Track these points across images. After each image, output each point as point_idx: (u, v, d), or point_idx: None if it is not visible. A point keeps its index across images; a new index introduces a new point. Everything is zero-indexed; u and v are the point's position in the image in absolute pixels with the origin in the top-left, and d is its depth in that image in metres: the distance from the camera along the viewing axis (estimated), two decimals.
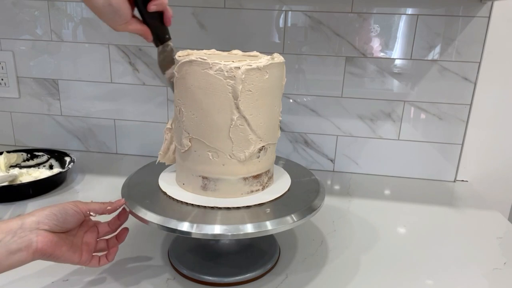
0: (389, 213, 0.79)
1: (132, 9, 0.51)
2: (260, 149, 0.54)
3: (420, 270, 0.60)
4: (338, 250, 0.65)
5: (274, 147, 0.58)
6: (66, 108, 1.02)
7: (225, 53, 0.60)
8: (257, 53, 0.59)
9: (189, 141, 0.53)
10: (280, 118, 0.58)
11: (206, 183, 0.54)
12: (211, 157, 0.53)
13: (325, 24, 0.88)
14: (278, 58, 0.54)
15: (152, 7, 0.51)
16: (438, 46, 0.86)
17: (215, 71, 0.49)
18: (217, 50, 0.61)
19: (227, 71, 0.49)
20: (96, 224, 0.53)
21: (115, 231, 0.55)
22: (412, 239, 0.70)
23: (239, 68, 0.49)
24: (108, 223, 0.54)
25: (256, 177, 0.56)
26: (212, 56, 0.52)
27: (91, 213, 0.52)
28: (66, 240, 0.48)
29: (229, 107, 0.50)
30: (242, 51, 0.61)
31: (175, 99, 0.55)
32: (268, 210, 0.52)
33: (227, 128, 0.51)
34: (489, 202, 0.86)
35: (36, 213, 0.46)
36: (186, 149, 0.54)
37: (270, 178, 0.59)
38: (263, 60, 0.51)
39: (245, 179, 0.55)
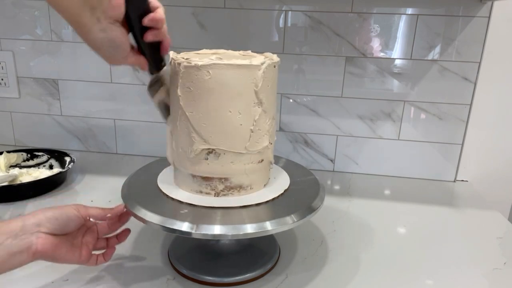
0: (389, 213, 0.79)
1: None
2: (209, 152, 0.52)
3: (420, 270, 0.60)
4: (338, 250, 0.65)
5: (239, 157, 0.53)
6: (66, 108, 1.02)
7: (237, 53, 0.59)
8: (254, 54, 0.57)
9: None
10: (252, 128, 0.52)
11: (174, 168, 0.59)
12: (174, 147, 0.56)
13: (325, 24, 0.88)
14: (242, 60, 0.50)
15: (149, 37, 0.47)
16: (438, 46, 0.86)
17: (172, 64, 0.52)
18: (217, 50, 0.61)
19: (175, 65, 0.51)
20: (96, 224, 0.54)
21: (114, 231, 0.55)
22: (412, 239, 0.70)
23: (180, 64, 0.50)
24: (108, 224, 0.54)
25: (206, 179, 0.54)
26: (210, 55, 0.52)
27: (91, 219, 0.52)
28: (65, 242, 0.48)
29: (176, 99, 0.52)
30: (244, 51, 0.60)
31: None
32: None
33: (176, 118, 0.53)
34: (489, 202, 0.86)
35: (37, 215, 0.47)
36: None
37: (232, 188, 0.55)
38: (206, 59, 0.49)
39: (193, 176, 0.55)
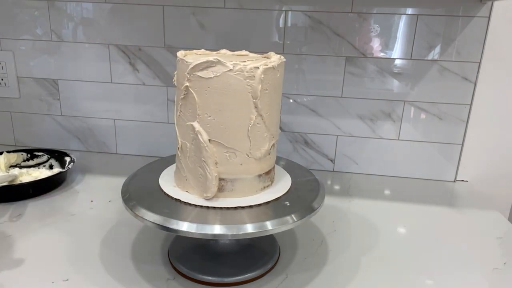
0: (389, 213, 0.79)
1: None
2: (271, 146, 0.56)
3: (420, 270, 0.60)
4: (338, 250, 0.65)
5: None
6: (66, 108, 1.02)
7: (214, 53, 0.59)
8: (247, 52, 0.60)
9: None
10: (280, 114, 0.60)
11: (223, 185, 0.54)
12: (228, 158, 0.53)
13: (325, 24, 0.88)
14: (280, 57, 0.55)
15: None
16: (438, 46, 0.86)
17: (236, 71, 0.49)
18: (216, 50, 0.61)
19: (247, 71, 0.49)
20: None
21: None
22: (412, 239, 0.70)
23: (258, 68, 0.50)
24: None
25: (268, 173, 0.57)
26: (208, 56, 0.52)
27: None
28: None
29: (248, 106, 0.51)
30: (231, 51, 0.61)
31: (185, 102, 0.54)
32: (287, 203, 0.54)
33: (246, 127, 0.52)
34: (489, 202, 0.86)
35: None
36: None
37: (274, 172, 0.61)
38: (275, 59, 0.53)
39: (259, 176, 0.55)
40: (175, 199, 0.54)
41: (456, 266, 0.62)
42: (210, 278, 0.55)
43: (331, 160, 0.98)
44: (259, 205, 0.53)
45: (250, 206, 0.52)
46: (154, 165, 0.65)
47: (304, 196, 0.56)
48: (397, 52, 0.88)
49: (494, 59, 0.86)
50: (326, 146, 0.97)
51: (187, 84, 0.51)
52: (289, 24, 0.89)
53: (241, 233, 0.47)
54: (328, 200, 0.81)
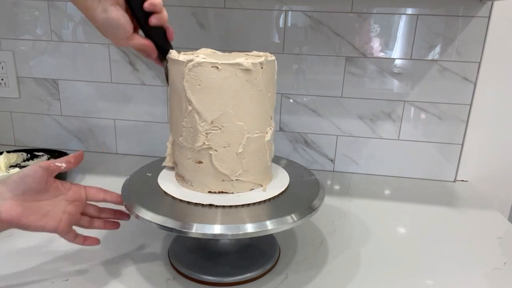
0: (389, 213, 0.79)
1: (135, 25, 0.52)
2: (268, 144, 0.58)
3: (420, 270, 0.60)
4: (338, 250, 0.65)
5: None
6: (66, 108, 1.02)
7: (209, 51, 0.60)
8: (240, 53, 0.59)
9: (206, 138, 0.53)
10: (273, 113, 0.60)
11: (223, 184, 0.55)
12: (228, 157, 0.53)
13: (325, 24, 0.88)
14: (272, 55, 0.56)
15: (153, 21, 0.51)
16: (438, 46, 0.86)
17: (230, 71, 0.50)
18: (216, 50, 0.61)
19: (241, 70, 0.50)
20: (86, 203, 0.54)
21: (103, 218, 0.56)
22: (412, 239, 0.70)
23: (250, 66, 0.50)
24: (100, 209, 0.55)
25: (268, 172, 0.60)
26: (213, 57, 0.52)
27: (57, 164, 0.50)
28: (36, 208, 0.47)
29: (242, 105, 0.52)
30: (240, 51, 0.61)
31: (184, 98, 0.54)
32: (287, 203, 0.54)
33: (242, 127, 0.53)
34: (489, 202, 0.86)
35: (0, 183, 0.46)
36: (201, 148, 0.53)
37: (271, 172, 0.62)
38: (266, 57, 0.53)
39: (259, 175, 0.58)
40: (175, 198, 0.54)
41: (456, 266, 0.62)
42: (210, 278, 0.55)
43: (331, 160, 0.98)
44: (259, 204, 0.53)
45: (250, 206, 0.52)
46: (154, 165, 0.65)
47: (304, 196, 0.56)
48: (397, 52, 0.88)
49: (494, 59, 0.86)
50: (326, 146, 0.97)
51: (182, 83, 0.51)
52: (289, 24, 0.89)
53: (241, 232, 0.47)
54: (328, 200, 0.81)
